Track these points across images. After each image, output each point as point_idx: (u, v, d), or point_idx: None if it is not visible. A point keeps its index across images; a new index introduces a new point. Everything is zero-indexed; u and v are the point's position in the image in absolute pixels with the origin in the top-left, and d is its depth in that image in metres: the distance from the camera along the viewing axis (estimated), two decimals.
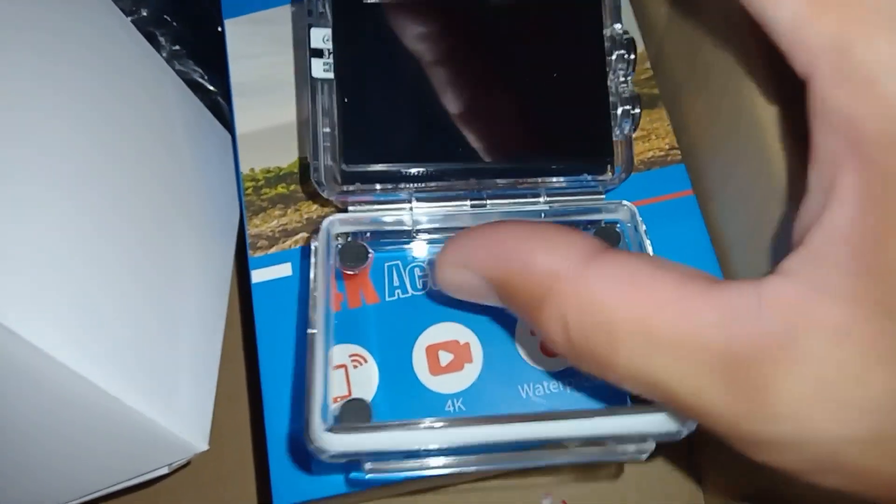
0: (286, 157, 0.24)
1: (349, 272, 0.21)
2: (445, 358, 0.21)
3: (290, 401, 0.21)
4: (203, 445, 0.19)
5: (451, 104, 0.20)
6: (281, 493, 0.20)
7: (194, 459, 0.20)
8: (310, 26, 0.20)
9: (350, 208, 0.20)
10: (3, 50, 0.18)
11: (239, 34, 0.25)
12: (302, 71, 0.24)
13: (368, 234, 0.21)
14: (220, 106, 0.32)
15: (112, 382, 0.17)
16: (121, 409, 0.17)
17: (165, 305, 0.21)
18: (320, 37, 0.20)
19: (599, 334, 0.13)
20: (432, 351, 0.21)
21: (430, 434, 0.16)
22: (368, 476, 0.17)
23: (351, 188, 0.20)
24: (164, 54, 0.31)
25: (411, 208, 0.20)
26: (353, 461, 0.17)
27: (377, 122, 0.20)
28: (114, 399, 0.17)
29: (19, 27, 0.19)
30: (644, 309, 0.13)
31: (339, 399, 0.21)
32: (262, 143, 0.24)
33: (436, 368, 0.21)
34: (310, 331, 0.18)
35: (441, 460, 0.17)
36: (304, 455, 0.20)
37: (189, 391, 0.20)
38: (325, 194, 0.20)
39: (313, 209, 0.23)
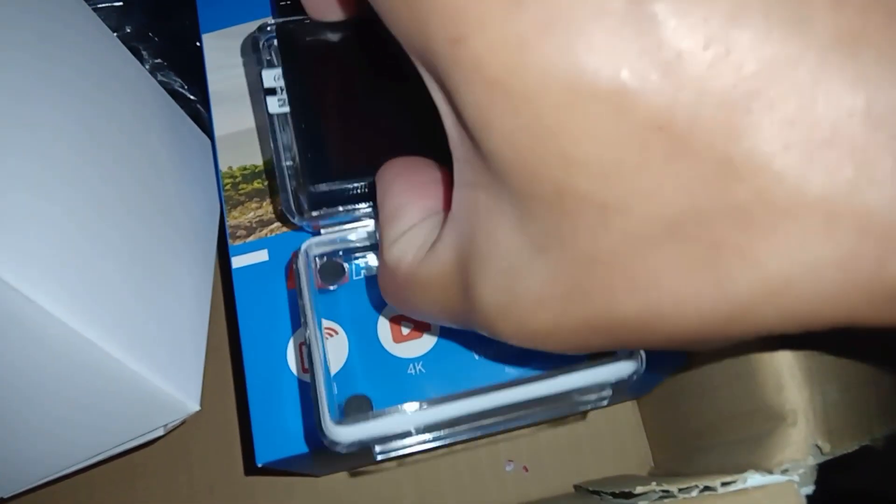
0: (260, 155, 0.26)
1: (330, 287, 0.23)
2: (407, 327, 0.23)
3: (268, 372, 0.23)
4: (196, 406, 0.21)
5: (393, 123, 0.22)
6: (262, 451, 0.22)
7: (188, 426, 0.22)
8: (260, 70, 0.21)
9: (322, 231, 0.22)
10: (2, 49, 0.19)
11: (215, 47, 0.27)
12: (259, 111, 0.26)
13: (341, 252, 0.23)
14: (199, 112, 0.34)
15: (115, 346, 0.18)
16: (122, 371, 0.19)
17: (158, 284, 0.23)
18: (271, 76, 0.21)
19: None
20: (395, 321, 0.23)
21: (423, 415, 0.18)
22: (380, 458, 0.19)
23: (317, 214, 0.21)
24: (148, 67, 0.33)
25: (375, 222, 0.22)
26: (364, 448, 0.18)
27: (334, 143, 0.21)
28: (116, 361, 0.18)
29: (17, 36, 0.20)
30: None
31: None
32: (238, 143, 0.26)
33: (398, 337, 0.23)
34: (308, 344, 0.20)
35: (436, 433, 0.19)
36: (280, 419, 0.22)
37: (182, 357, 0.22)
38: (295, 221, 0.21)
39: None
